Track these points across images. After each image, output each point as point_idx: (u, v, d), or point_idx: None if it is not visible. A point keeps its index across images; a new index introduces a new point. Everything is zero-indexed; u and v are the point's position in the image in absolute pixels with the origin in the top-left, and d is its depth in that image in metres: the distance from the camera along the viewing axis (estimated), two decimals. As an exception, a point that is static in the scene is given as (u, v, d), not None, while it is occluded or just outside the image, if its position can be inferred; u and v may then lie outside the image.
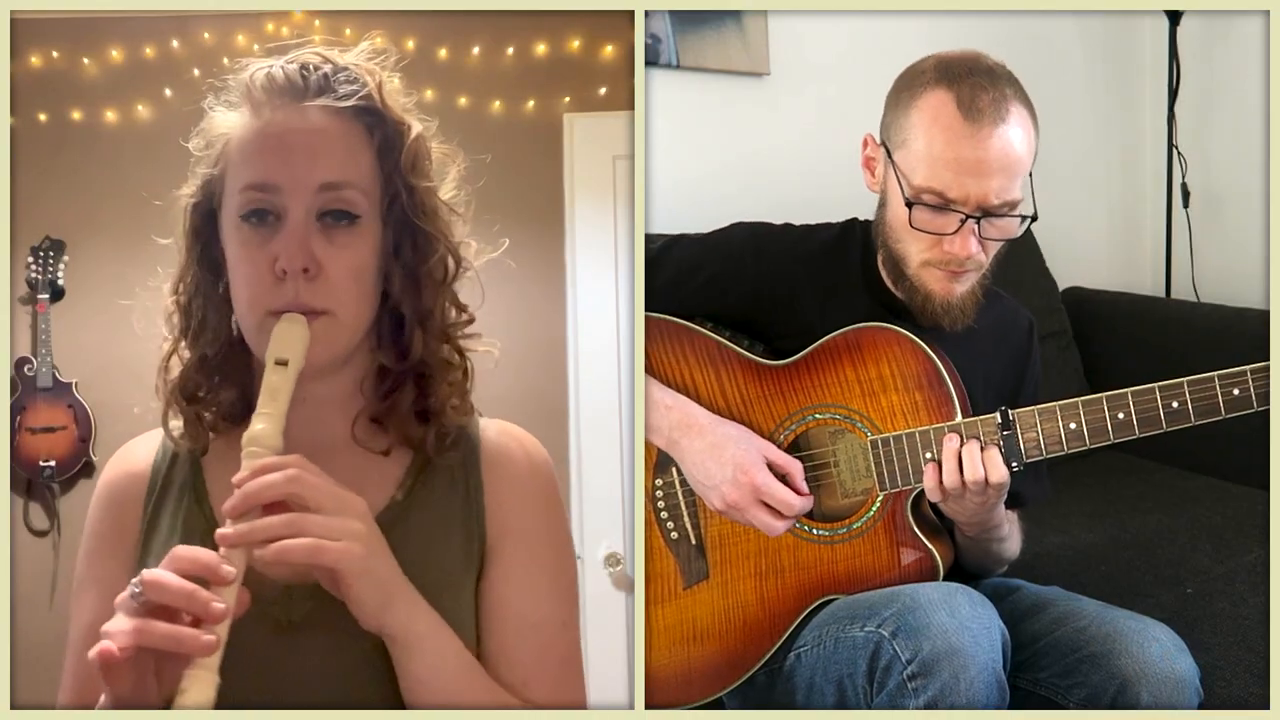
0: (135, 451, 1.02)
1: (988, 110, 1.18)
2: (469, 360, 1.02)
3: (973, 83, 1.20)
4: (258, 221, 0.91)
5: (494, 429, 1.03)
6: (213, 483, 0.97)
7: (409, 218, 0.96)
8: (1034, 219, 1.24)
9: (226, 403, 0.98)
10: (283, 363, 0.88)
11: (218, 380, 0.98)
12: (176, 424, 0.99)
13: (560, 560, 1.00)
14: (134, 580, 0.78)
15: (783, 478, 1.29)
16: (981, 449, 1.21)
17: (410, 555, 0.89)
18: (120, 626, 0.76)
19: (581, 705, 0.98)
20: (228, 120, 0.95)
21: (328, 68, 0.94)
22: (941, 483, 1.21)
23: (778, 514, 1.28)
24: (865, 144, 1.32)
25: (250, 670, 0.86)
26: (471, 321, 1.02)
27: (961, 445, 1.21)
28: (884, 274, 1.32)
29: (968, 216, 1.20)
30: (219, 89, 0.97)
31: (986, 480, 1.20)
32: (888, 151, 1.26)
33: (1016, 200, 1.22)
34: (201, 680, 0.76)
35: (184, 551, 0.79)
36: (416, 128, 0.97)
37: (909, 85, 1.25)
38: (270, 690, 0.89)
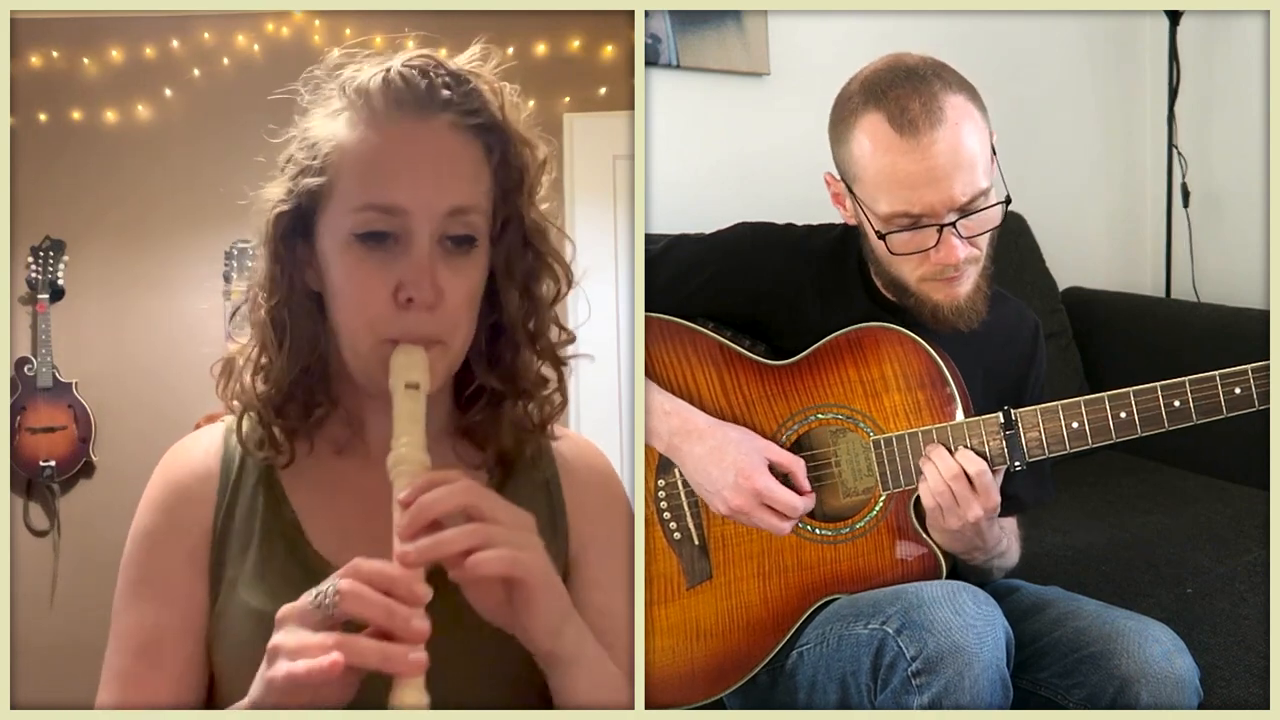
0: (196, 451, 0.97)
1: (920, 118, 1.15)
2: (567, 380, 1.00)
3: (897, 94, 1.17)
4: (375, 243, 0.86)
5: (566, 441, 1.03)
6: (289, 483, 0.94)
7: (527, 238, 0.93)
8: (1008, 202, 1.21)
9: (318, 419, 0.94)
10: (414, 386, 0.85)
11: (311, 396, 0.93)
12: (255, 435, 0.94)
13: (629, 556, 1.01)
14: (319, 590, 0.74)
15: (784, 477, 1.29)
16: (951, 451, 1.22)
17: None
18: (314, 641, 0.72)
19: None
20: (333, 127, 0.89)
21: (446, 75, 0.89)
22: (931, 492, 1.22)
23: (783, 514, 1.28)
24: (828, 183, 1.30)
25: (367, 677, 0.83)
26: (573, 340, 1.00)
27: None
28: (888, 292, 1.31)
29: (942, 226, 1.19)
30: (314, 88, 0.92)
31: (965, 474, 1.20)
32: (848, 186, 1.26)
33: (984, 189, 1.19)
34: (415, 696, 0.74)
35: (371, 566, 0.75)
36: (543, 151, 0.94)
37: (842, 116, 1.23)
38: (359, 694, 0.85)
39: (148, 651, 0.89)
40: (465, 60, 0.92)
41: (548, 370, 0.98)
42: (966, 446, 1.23)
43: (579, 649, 0.83)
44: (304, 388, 0.92)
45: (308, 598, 0.75)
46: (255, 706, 0.74)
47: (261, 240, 0.92)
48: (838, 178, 1.28)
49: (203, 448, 0.96)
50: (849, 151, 1.23)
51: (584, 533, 0.98)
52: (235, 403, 0.95)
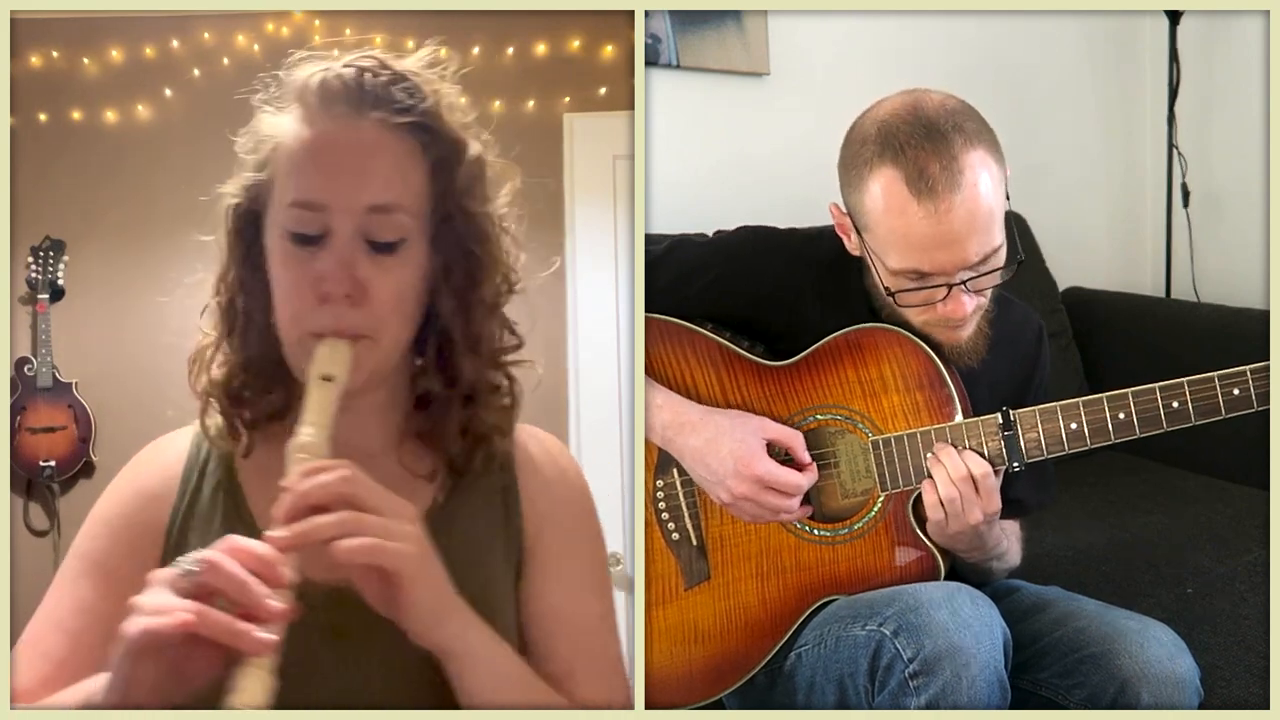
0: (166, 450, 0.99)
1: (940, 181, 1.12)
2: (517, 385, 1.00)
3: (916, 153, 1.13)
4: (303, 240, 0.88)
5: (524, 435, 1.03)
6: (249, 483, 0.96)
7: (463, 242, 0.92)
8: (1021, 263, 1.20)
9: (271, 405, 0.95)
10: (328, 378, 0.86)
11: (263, 382, 0.95)
12: (214, 422, 0.96)
13: (594, 557, 1.01)
14: (188, 559, 0.75)
15: (785, 457, 1.29)
16: (959, 450, 1.22)
17: (453, 558, 0.88)
18: (168, 603, 0.73)
19: (625, 692, 0.98)
20: (277, 123, 0.91)
21: (387, 75, 0.90)
22: (940, 496, 1.21)
23: (788, 492, 1.28)
24: (833, 213, 1.29)
25: (301, 679, 0.84)
26: (520, 345, 1.00)
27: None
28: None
29: (952, 285, 1.18)
30: (269, 86, 0.93)
31: (970, 475, 1.20)
32: (855, 227, 1.24)
33: (998, 246, 1.17)
34: (257, 679, 0.74)
35: (242, 542, 0.76)
36: (474, 148, 0.94)
37: (855, 161, 1.19)
38: (322, 699, 0.87)
39: (72, 626, 0.90)
40: (413, 61, 0.93)
41: (494, 374, 0.97)
42: (965, 447, 1.23)
43: (463, 643, 0.83)
44: (256, 375, 0.94)
45: (178, 564, 0.76)
46: (115, 668, 0.74)
47: (219, 234, 0.95)
48: (845, 212, 1.26)
49: (172, 448, 0.99)
50: (860, 201, 1.20)
51: (538, 523, 0.98)
52: (205, 399, 0.97)
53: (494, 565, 0.95)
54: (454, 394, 0.95)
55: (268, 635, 0.74)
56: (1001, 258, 1.19)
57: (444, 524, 0.93)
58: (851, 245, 1.28)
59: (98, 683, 0.78)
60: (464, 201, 0.92)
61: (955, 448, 1.23)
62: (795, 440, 1.30)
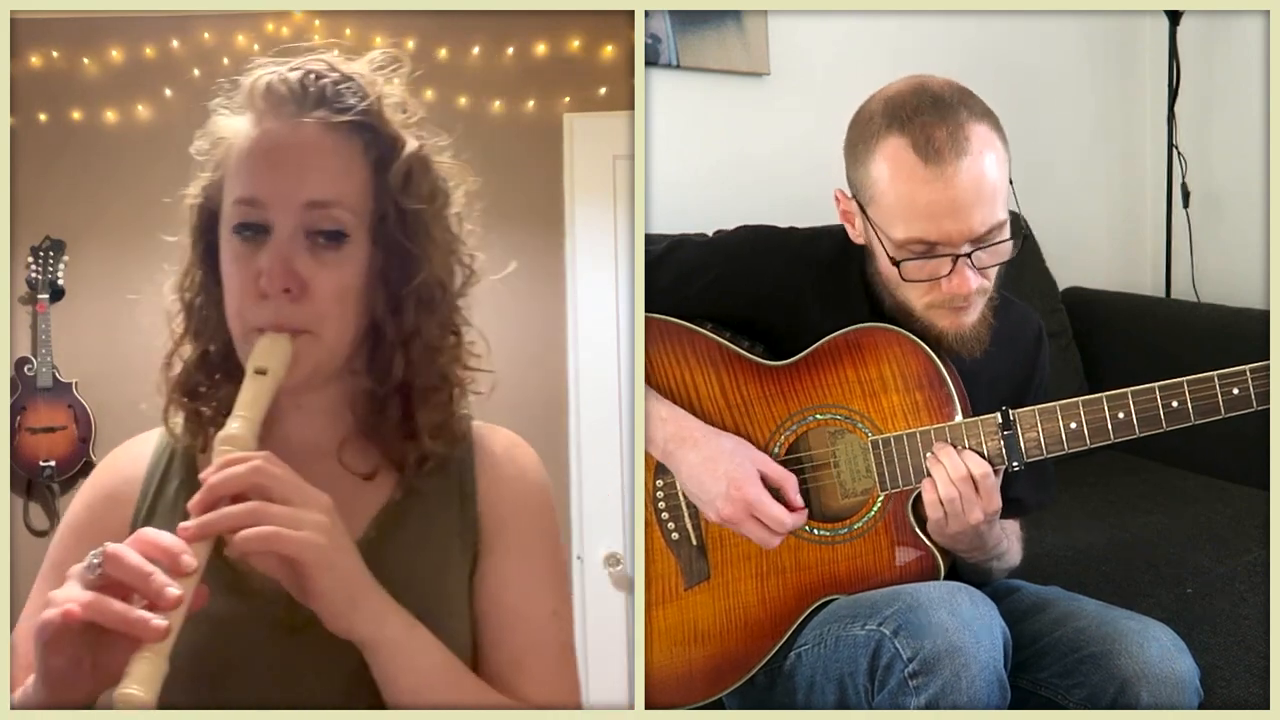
0: (130, 453, 1.02)
1: (946, 147, 1.14)
2: (456, 385, 1.00)
3: (923, 122, 1.15)
4: (249, 235, 0.90)
5: (483, 431, 1.03)
6: None
7: (399, 238, 0.94)
8: (1026, 238, 1.21)
9: (227, 400, 0.96)
10: (262, 372, 0.88)
11: (219, 377, 0.97)
12: (177, 420, 0.99)
13: (550, 553, 1.01)
14: (94, 551, 0.77)
15: (777, 492, 1.29)
16: (958, 450, 1.22)
17: (410, 553, 0.89)
18: (73, 595, 0.75)
19: (575, 690, 0.99)
20: (230, 125, 0.95)
21: (332, 77, 0.93)
22: (939, 496, 1.21)
23: (772, 528, 1.28)
24: (838, 200, 1.29)
25: (256, 674, 0.86)
26: (459, 345, 1.00)
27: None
28: (891, 314, 1.31)
29: (957, 256, 1.18)
30: (227, 90, 0.96)
31: (970, 475, 1.20)
32: (861, 207, 1.24)
33: (1002, 222, 1.18)
34: (148, 665, 0.75)
35: (148, 534, 0.79)
36: (411, 145, 0.95)
37: (862, 136, 1.21)
38: (276, 694, 0.88)
39: None
40: (363, 63, 0.96)
41: (439, 372, 0.98)
42: (965, 447, 1.23)
43: (379, 632, 0.84)
44: (214, 372, 0.97)
45: (86, 558, 0.78)
46: (35, 662, 0.77)
47: (184, 233, 0.98)
48: (849, 196, 1.26)
49: (136, 452, 1.02)
50: (867, 173, 1.20)
51: (495, 519, 0.98)
52: (169, 398, 0.99)
53: (449, 560, 0.96)
54: (388, 392, 0.96)
55: (161, 621, 0.75)
56: (1006, 235, 1.19)
57: (399, 520, 0.95)
58: (855, 233, 1.28)
59: (29, 680, 0.79)
60: (400, 198, 0.93)
61: (955, 447, 1.23)
62: (788, 483, 1.29)
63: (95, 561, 0.76)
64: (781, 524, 1.27)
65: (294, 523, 0.80)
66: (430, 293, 0.96)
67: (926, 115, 1.15)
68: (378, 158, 0.93)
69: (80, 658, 0.77)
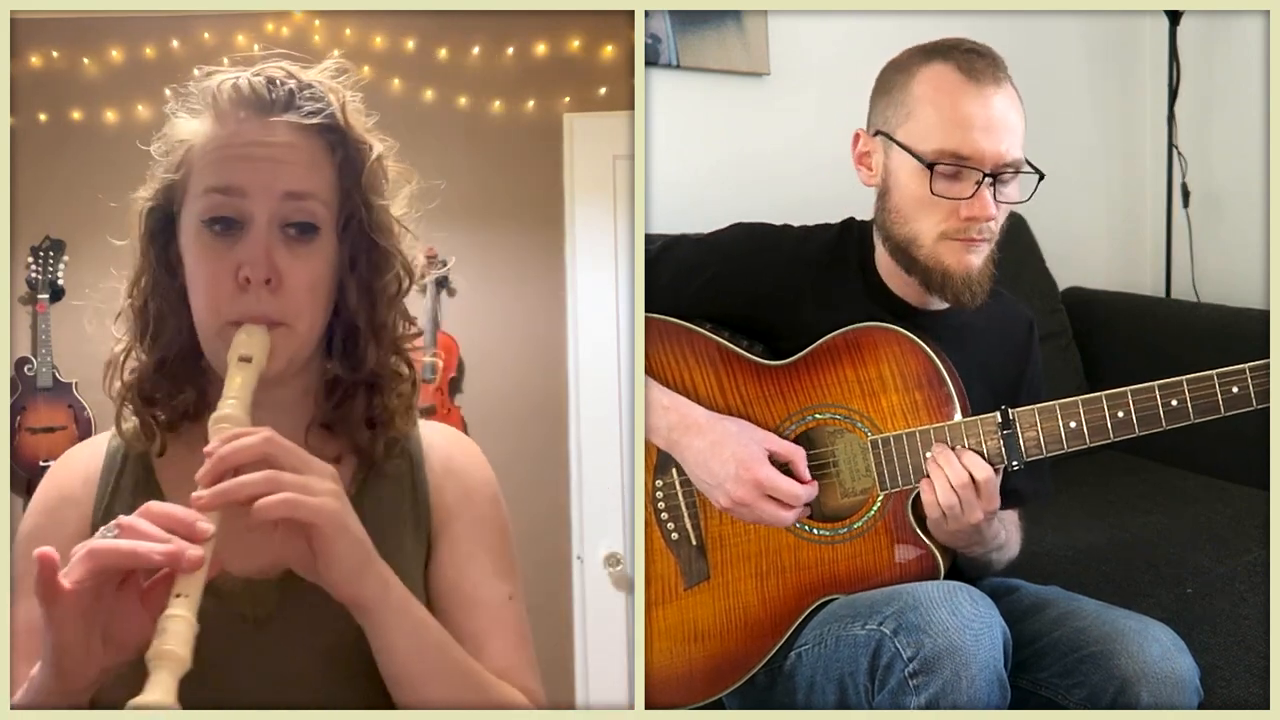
0: (81, 456, 1.03)
1: (986, 73, 1.24)
2: (416, 372, 1.04)
3: (965, 52, 1.25)
4: (222, 229, 0.92)
5: (427, 429, 1.07)
6: (166, 481, 0.98)
7: (367, 234, 0.97)
8: (1042, 177, 1.28)
9: (183, 404, 0.99)
10: (247, 359, 0.89)
11: (175, 382, 0.98)
12: (130, 425, 0.99)
13: (499, 540, 1.04)
14: (106, 526, 0.78)
15: (785, 467, 1.29)
16: (958, 452, 1.22)
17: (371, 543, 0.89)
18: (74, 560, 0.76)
19: (535, 672, 1.01)
20: (190, 127, 0.96)
21: (293, 83, 0.96)
22: (938, 501, 1.22)
23: (785, 505, 1.28)
24: (856, 140, 1.32)
25: (220, 668, 0.86)
26: (419, 334, 1.05)
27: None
28: (891, 266, 1.31)
29: (984, 175, 1.22)
30: (182, 95, 0.99)
31: (973, 481, 1.20)
32: (888, 136, 1.27)
33: (1021, 161, 1.25)
34: (180, 622, 0.75)
35: (158, 506, 0.79)
36: (378, 148, 0.99)
37: (901, 69, 1.29)
38: (241, 688, 0.89)
39: (30, 650, 0.91)
40: (317, 72, 0.99)
41: (395, 361, 1.02)
42: (965, 447, 1.23)
43: (383, 598, 0.85)
44: (168, 376, 0.98)
45: (99, 532, 0.78)
46: (44, 639, 0.77)
47: (132, 238, 0.99)
48: (871, 134, 1.31)
49: (86, 454, 1.02)
50: (905, 94, 1.27)
51: (444, 510, 1.02)
52: (120, 403, 0.99)
53: (404, 551, 0.98)
54: (358, 380, 1.00)
55: (196, 551, 0.76)
56: (1023, 172, 1.26)
57: (358, 510, 0.95)
58: (870, 173, 1.32)
59: (35, 667, 0.80)
60: (369, 197, 0.97)
61: (955, 450, 1.23)
62: (797, 455, 1.30)
63: (110, 532, 0.77)
64: (796, 497, 1.28)
65: (308, 490, 0.81)
66: (397, 285, 1.00)
67: (966, 52, 1.25)
68: (343, 158, 0.96)
69: (91, 630, 0.77)
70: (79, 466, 1.01)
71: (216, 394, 0.95)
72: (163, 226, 0.97)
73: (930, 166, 1.23)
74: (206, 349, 0.95)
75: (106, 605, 0.77)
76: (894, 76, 1.29)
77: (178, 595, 0.76)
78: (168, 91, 1.00)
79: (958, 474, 1.21)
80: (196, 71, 0.99)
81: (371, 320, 0.99)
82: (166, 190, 0.96)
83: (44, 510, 0.99)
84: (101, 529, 0.78)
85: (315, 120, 0.94)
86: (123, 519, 0.78)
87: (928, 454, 1.25)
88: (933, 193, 1.23)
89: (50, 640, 0.76)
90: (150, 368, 0.98)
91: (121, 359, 1.00)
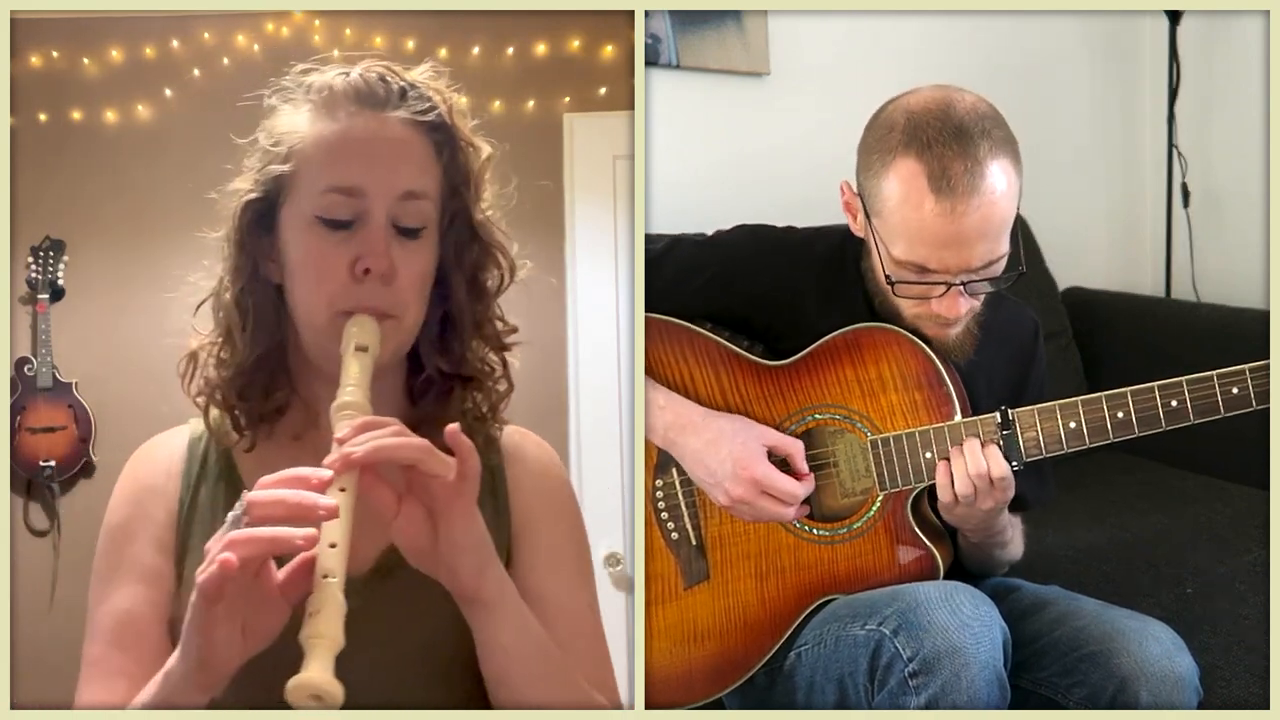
0: (162, 450, 1.03)
1: (960, 182, 1.13)
2: (510, 368, 1.05)
3: (941, 151, 1.14)
4: (335, 225, 0.92)
5: (510, 431, 1.07)
6: (248, 475, 0.98)
7: (473, 231, 0.99)
8: (1022, 275, 1.21)
9: (273, 402, 0.99)
10: (363, 349, 0.90)
11: (272, 378, 0.98)
12: (217, 419, 1.00)
13: (580, 548, 1.04)
14: (235, 511, 0.78)
15: (784, 462, 1.29)
16: (982, 446, 1.22)
17: None
18: (215, 551, 0.75)
19: (614, 679, 1.01)
20: (296, 119, 0.97)
21: (403, 82, 0.97)
22: (953, 487, 1.21)
23: (784, 500, 1.28)
24: (843, 191, 1.28)
25: (299, 668, 0.86)
26: (515, 331, 1.05)
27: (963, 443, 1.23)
28: (881, 312, 1.31)
29: (950, 284, 1.19)
30: (280, 89, 0.99)
31: (989, 475, 1.20)
32: (865, 209, 1.24)
33: (1002, 255, 1.19)
34: (332, 602, 0.76)
35: (275, 475, 0.79)
36: (486, 150, 1.01)
37: (878, 146, 1.19)
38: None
39: (121, 637, 0.93)
40: (419, 73, 1.00)
41: (493, 358, 1.03)
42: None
43: (501, 594, 0.86)
44: (264, 372, 0.98)
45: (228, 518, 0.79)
46: (185, 635, 0.77)
47: (228, 230, 0.98)
48: (855, 192, 1.26)
49: (168, 447, 1.02)
50: (877, 186, 1.20)
51: (525, 516, 1.02)
52: (200, 398, 1.00)
53: None
54: (456, 376, 1.00)
55: (330, 501, 0.76)
56: (1003, 266, 1.20)
57: None
58: (856, 226, 1.29)
59: (171, 661, 0.80)
60: (478, 195, 1.00)
61: (980, 443, 1.22)
62: (795, 449, 1.30)
63: (238, 513, 0.77)
64: (794, 495, 1.28)
65: (446, 464, 0.81)
66: (500, 281, 1.03)
67: (947, 145, 1.14)
68: (449, 158, 0.98)
69: (236, 621, 0.77)
70: (161, 457, 1.01)
71: (310, 391, 0.97)
72: (260, 219, 0.97)
73: (891, 283, 1.21)
74: (310, 341, 0.95)
75: (246, 596, 0.77)
76: (873, 152, 1.20)
77: (325, 576, 0.77)
78: (270, 95, 0.99)
79: (977, 466, 1.21)
80: (293, 67, 0.99)
81: (475, 315, 1.00)
82: (273, 182, 0.96)
83: (131, 502, 0.99)
84: (230, 517, 0.78)
85: (428, 118, 0.96)
86: (248, 495, 0.77)
87: (926, 454, 1.25)
88: (895, 296, 1.23)
89: (199, 638, 0.76)
90: (249, 363, 0.97)
91: (207, 353, 0.99)
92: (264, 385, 0.98)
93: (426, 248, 0.96)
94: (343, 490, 0.80)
